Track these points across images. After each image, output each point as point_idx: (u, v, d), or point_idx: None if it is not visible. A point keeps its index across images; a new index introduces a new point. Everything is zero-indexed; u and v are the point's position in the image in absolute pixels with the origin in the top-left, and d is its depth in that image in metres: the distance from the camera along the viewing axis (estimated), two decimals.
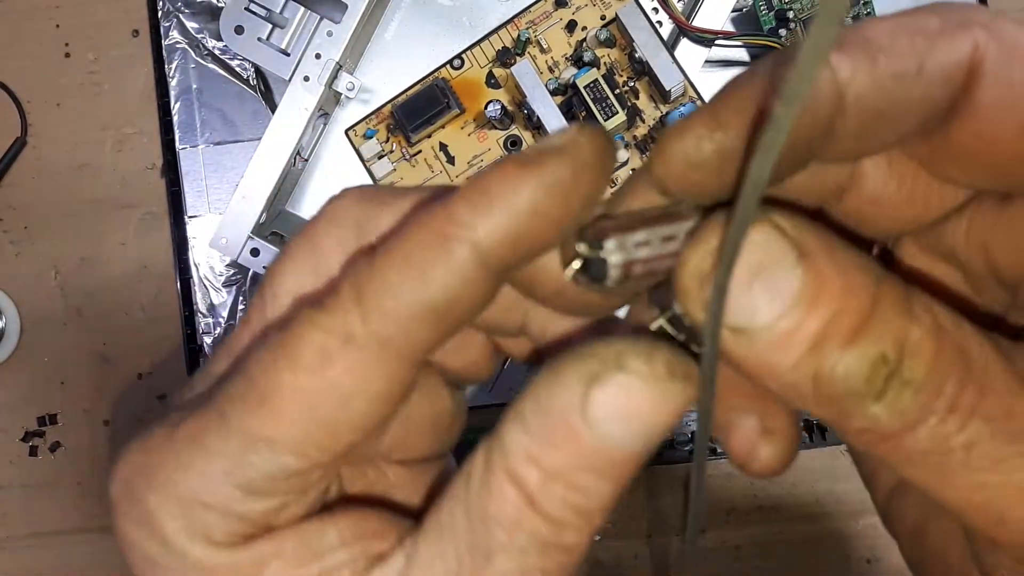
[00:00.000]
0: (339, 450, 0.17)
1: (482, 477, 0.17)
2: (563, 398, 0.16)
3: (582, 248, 0.17)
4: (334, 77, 0.48)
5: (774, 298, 0.15)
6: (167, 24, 0.54)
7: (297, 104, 0.48)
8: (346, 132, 0.50)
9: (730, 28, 0.50)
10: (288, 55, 0.49)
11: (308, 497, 0.18)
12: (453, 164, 0.49)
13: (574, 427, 0.16)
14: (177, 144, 0.54)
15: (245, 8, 0.48)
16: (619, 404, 0.16)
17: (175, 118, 0.54)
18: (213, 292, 0.54)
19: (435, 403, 0.21)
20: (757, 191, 0.14)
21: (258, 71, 0.54)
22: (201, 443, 0.17)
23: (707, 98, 0.48)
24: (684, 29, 0.49)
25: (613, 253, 0.16)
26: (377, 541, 0.18)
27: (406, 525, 0.18)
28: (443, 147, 0.49)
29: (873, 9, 0.50)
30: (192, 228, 0.53)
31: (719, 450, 0.54)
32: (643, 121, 0.49)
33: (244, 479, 0.17)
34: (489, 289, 0.17)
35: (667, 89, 0.47)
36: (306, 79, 0.48)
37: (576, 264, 0.17)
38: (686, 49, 0.49)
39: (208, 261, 0.54)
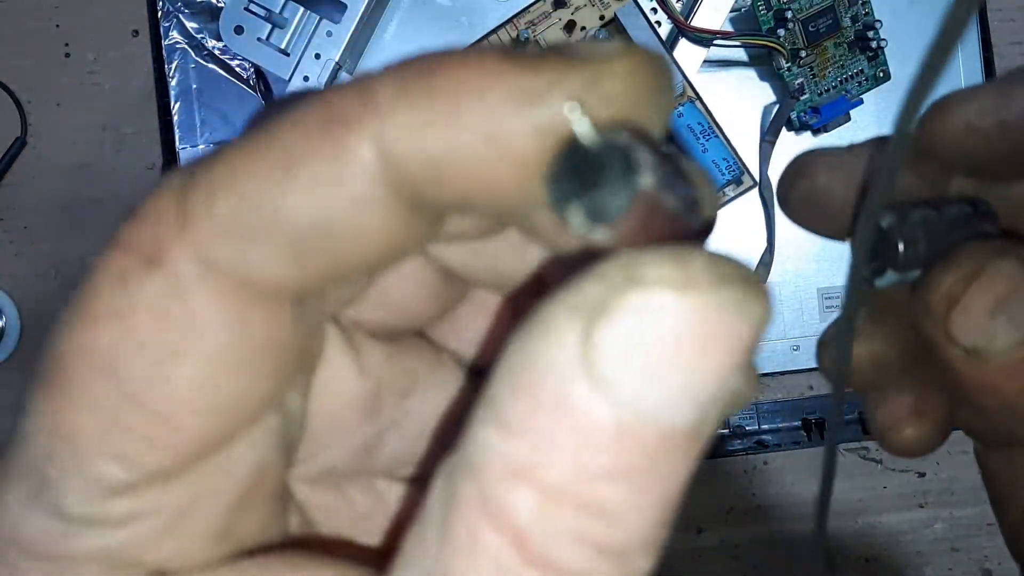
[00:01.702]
0: (188, 449, 0.11)
1: (442, 520, 0.10)
2: (552, 358, 0.10)
3: (623, 137, 0.10)
4: (334, 77, 0.48)
5: (1015, 327, 0.17)
6: (167, 24, 0.54)
7: None
8: None
9: (728, 28, 0.50)
10: (288, 55, 0.49)
11: (201, 526, 0.12)
12: None
13: (575, 402, 0.09)
14: (177, 144, 0.54)
15: (245, 8, 0.49)
16: (644, 344, 0.09)
17: (175, 118, 0.54)
18: None
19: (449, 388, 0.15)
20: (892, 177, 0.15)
21: (258, 71, 0.54)
22: (6, 464, 0.12)
23: (706, 99, 0.48)
24: (682, 29, 0.49)
25: (642, 152, 0.10)
26: None
27: None
28: None
29: (872, 10, 0.50)
30: None
31: (720, 448, 0.54)
32: None
33: (51, 502, 0.11)
34: (398, 224, 0.11)
35: None
36: (306, 79, 0.48)
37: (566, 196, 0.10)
38: (685, 49, 0.49)
39: None
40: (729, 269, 0.10)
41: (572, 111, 0.10)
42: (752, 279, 0.10)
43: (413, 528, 0.11)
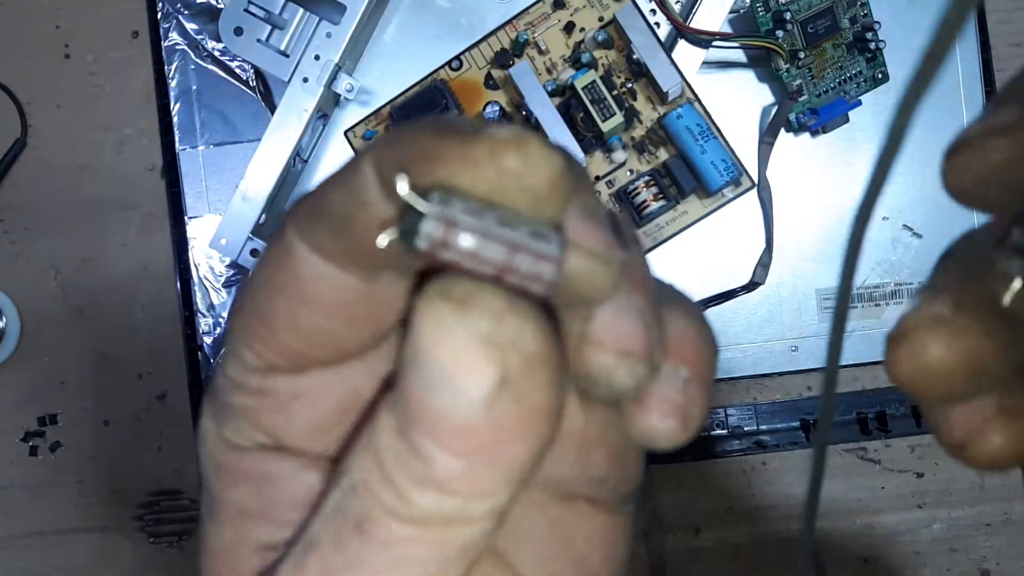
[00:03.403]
0: (288, 353, 0.17)
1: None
2: (409, 336, 0.14)
3: (402, 187, 0.14)
4: (333, 78, 0.48)
5: None
6: (167, 26, 0.54)
7: (296, 105, 0.48)
8: (345, 133, 0.50)
9: (727, 29, 0.50)
10: (287, 56, 0.49)
11: (304, 416, 0.17)
12: None
13: (402, 369, 0.14)
14: (177, 145, 0.54)
15: (244, 9, 0.49)
16: (419, 335, 0.13)
17: (175, 119, 0.54)
18: (213, 292, 0.54)
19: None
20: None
21: (258, 72, 0.54)
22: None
23: (704, 100, 0.48)
24: (681, 31, 0.49)
25: (433, 207, 0.14)
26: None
27: None
28: None
29: (870, 11, 0.50)
30: (192, 229, 0.54)
31: (719, 449, 0.55)
32: (640, 122, 0.49)
33: (224, 367, 0.17)
34: (390, 217, 0.16)
35: (664, 90, 0.47)
36: (305, 80, 0.48)
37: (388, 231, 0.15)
38: (683, 51, 0.50)
39: (208, 261, 0.54)
40: (454, 288, 0.13)
41: (400, 178, 0.14)
42: (468, 298, 0.13)
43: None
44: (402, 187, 0.14)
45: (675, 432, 0.16)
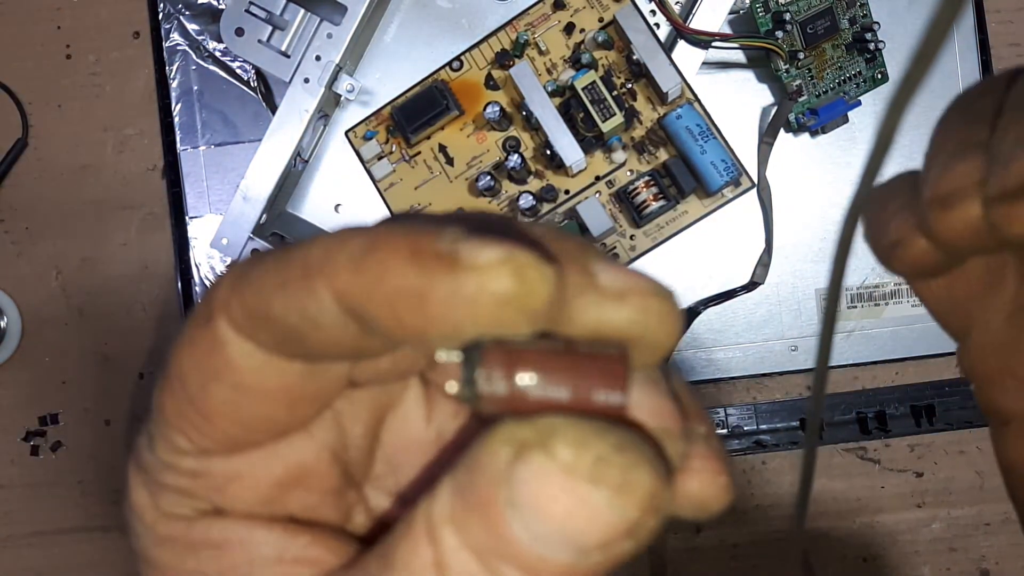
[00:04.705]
0: (224, 441, 0.16)
1: (407, 521, 0.14)
2: (490, 464, 0.13)
3: (452, 356, 0.14)
4: (334, 79, 0.49)
5: None
6: (168, 26, 0.54)
7: (297, 106, 0.48)
8: (346, 134, 0.50)
9: (727, 30, 0.50)
10: (288, 57, 0.49)
11: (248, 492, 0.17)
12: (452, 165, 0.50)
13: (496, 506, 0.13)
14: (178, 145, 0.54)
15: (245, 10, 0.49)
16: (537, 494, 0.13)
17: (176, 119, 0.54)
18: None
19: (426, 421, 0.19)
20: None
21: (259, 73, 0.54)
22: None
23: (704, 100, 0.48)
24: (681, 31, 0.49)
25: (486, 383, 0.14)
26: (315, 570, 0.16)
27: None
28: (442, 148, 0.50)
29: (870, 12, 0.50)
30: (193, 229, 0.54)
31: None
32: (640, 123, 0.49)
33: (153, 449, 0.17)
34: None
35: (664, 91, 0.47)
36: (306, 81, 0.48)
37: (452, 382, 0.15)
38: (683, 51, 0.50)
39: (209, 261, 0.54)
40: (613, 468, 0.13)
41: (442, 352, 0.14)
42: (632, 484, 0.13)
43: (395, 532, 0.15)
44: (452, 356, 0.14)
45: (726, 489, 0.16)
